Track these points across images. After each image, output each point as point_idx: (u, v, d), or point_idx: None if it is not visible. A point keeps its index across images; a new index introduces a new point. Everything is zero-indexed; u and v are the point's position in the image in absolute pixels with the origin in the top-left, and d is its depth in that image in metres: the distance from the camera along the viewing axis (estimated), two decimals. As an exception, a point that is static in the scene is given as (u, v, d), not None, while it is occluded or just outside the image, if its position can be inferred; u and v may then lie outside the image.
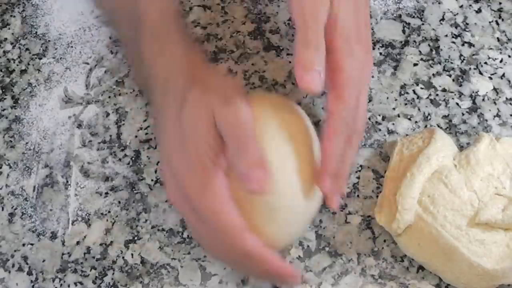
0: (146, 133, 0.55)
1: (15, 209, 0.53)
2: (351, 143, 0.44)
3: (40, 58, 0.59)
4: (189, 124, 0.42)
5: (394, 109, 0.56)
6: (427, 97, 0.56)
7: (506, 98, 0.56)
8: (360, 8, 0.46)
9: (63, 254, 0.51)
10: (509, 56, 0.58)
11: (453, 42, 0.59)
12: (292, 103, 0.50)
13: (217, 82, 0.45)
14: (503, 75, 0.57)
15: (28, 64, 0.59)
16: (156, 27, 0.47)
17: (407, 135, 0.54)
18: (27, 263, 0.51)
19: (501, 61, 0.58)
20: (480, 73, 0.57)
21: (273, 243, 0.44)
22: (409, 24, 0.60)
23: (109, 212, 0.52)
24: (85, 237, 0.51)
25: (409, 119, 0.55)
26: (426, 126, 0.55)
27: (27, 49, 0.60)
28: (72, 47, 0.60)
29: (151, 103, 0.49)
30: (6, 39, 0.61)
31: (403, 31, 0.60)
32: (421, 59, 0.58)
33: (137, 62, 0.49)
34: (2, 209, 0.53)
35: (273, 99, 0.49)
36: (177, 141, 0.42)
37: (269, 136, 0.44)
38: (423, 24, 0.60)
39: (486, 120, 0.55)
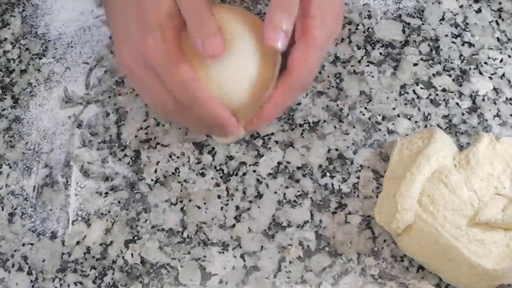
0: (146, 133, 0.55)
1: (15, 209, 0.53)
2: (295, 96, 0.48)
3: (40, 58, 0.59)
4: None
5: (394, 109, 0.56)
6: (427, 97, 0.56)
7: (506, 98, 0.56)
8: None
9: (63, 254, 0.51)
10: (509, 56, 0.58)
11: (453, 42, 0.59)
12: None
13: None
14: (503, 75, 0.57)
15: (28, 64, 0.59)
16: None
17: (407, 135, 0.54)
18: (27, 263, 0.51)
19: (501, 61, 0.58)
20: (480, 73, 0.57)
21: None
22: (409, 24, 0.60)
23: (109, 212, 0.52)
24: (85, 237, 0.51)
25: (409, 119, 0.55)
26: (426, 126, 0.55)
27: (27, 49, 0.60)
28: (72, 47, 0.60)
29: None
30: (6, 39, 0.61)
31: (403, 31, 0.60)
32: (421, 59, 0.58)
33: None
34: (2, 209, 0.53)
35: (242, 11, 0.50)
36: (134, 7, 0.44)
37: (235, 28, 0.46)
38: (423, 24, 0.60)
39: (486, 120, 0.55)
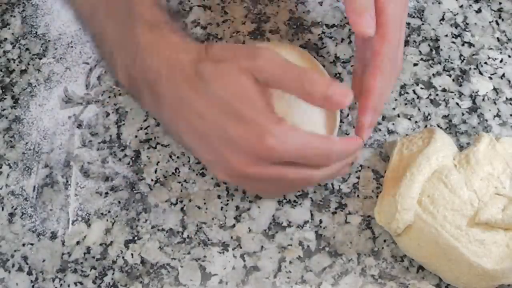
0: (146, 133, 0.55)
1: (15, 209, 0.53)
2: (391, 80, 0.49)
3: (40, 58, 0.59)
4: (231, 91, 0.41)
5: (394, 109, 0.56)
6: (427, 97, 0.56)
7: (506, 98, 0.56)
8: None
9: (63, 254, 0.51)
10: (509, 56, 0.58)
11: (453, 42, 0.59)
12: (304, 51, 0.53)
13: (225, 47, 0.45)
14: (503, 75, 0.57)
15: (28, 64, 0.59)
16: (151, 21, 0.46)
17: (407, 135, 0.54)
18: (27, 263, 0.51)
19: (501, 61, 0.58)
20: (480, 73, 0.57)
21: None
22: (409, 24, 0.60)
23: (109, 212, 0.52)
24: (85, 237, 0.51)
25: (409, 119, 0.55)
26: (426, 126, 0.55)
27: (27, 49, 0.60)
28: (72, 47, 0.60)
29: (153, 94, 0.46)
30: (6, 39, 0.61)
31: (403, 31, 0.60)
32: (421, 59, 0.58)
33: (127, 55, 0.46)
34: (2, 209, 0.53)
35: (288, 47, 0.52)
36: (218, 113, 0.42)
37: None
38: (423, 24, 0.60)
39: (486, 120, 0.55)
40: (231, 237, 0.51)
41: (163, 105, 0.44)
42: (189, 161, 0.54)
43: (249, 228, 0.51)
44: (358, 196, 0.52)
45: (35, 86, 0.58)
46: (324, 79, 0.43)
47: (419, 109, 0.56)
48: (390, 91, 0.50)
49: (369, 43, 0.47)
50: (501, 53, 0.58)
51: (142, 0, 0.46)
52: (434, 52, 0.59)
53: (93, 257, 0.51)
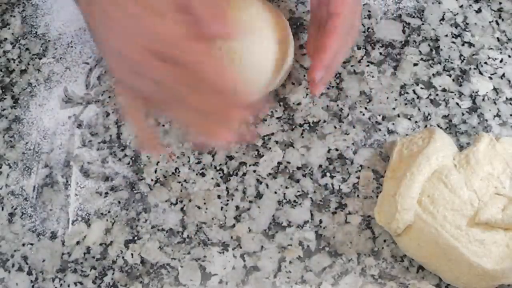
0: (146, 133, 0.55)
1: (15, 209, 0.53)
2: (347, 41, 0.51)
3: (40, 58, 0.59)
4: None
5: (394, 109, 0.56)
6: (427, 97, 0.56)
7: (506, 98, 0.56)
8: None
9: (63, 254, 0.51)
10: (509, 56, 0.58)
11: (453, 42, 0.59)
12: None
13: None
14: (503, 75, 0.57)
15: (28, 64, 0.59)
16: None
17: (407, 135, 0.54)
18: (27, 263, 0.51)
19: (501, 61, 0.58)
20: (480, 73, 0.57)
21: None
22: (409, 24, 0.60)
23: (109, 212, 0.52)
24: (85, 237, 0.51)
25: (409, 119, 0.55)
26: (426, 126, 0.55)
27: (27, 49, 0.60)
28: (72, 47, 0.60)
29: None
30: (6, 39, 0.61)
31: (403, 31, 0.60)
32: (421, 59, 0.58)
33: None
34: (2, 209, 0.53)
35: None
36: (134, 7, 0.42)
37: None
38: (423, 24, 0.60)
39: (486, 120, 0.55)
40: (231, 237, 0.51)
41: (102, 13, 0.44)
42: (189, 161, 0.54)
43: (249, 228, 0.51)
44: (358, 196, 0.52)
45: (35, 86, 0.58)
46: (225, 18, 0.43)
47: (419, 109, 0.56)
48: (345, 52, 0.53)
49: (324, 3, 0.49)
50: (501, 53, 0.58)
51: None
52: (434, 52, 0.59)
53: (93, 257, 0.51)
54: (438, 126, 0.55)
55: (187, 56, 0.41)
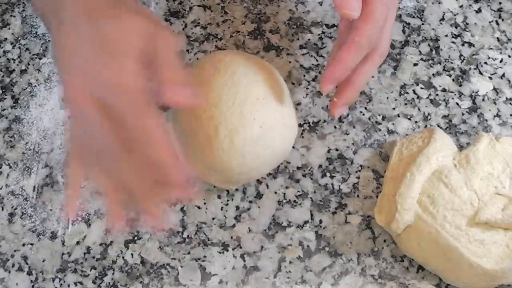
0: (146, 133, 0.55)
1: (15, 209, 0.53)
2: (372, 59, 0.47)
3: (40, 58, 0.59)
4: (118, 32, 0.39)
5: (394, 109, 0.56)
6: (427, 97, 0.56)
7: (506, 98, 0.56)
8: None
9: (63, 254, 0.51)
10: (509, 56, 0.58)
11: (453, 42, 0.59)
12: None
13: (143, 11, 0.44)
14: (503, 75, 0.57)
15: (28, 64, 0.59)
16: None
17: (407, 135, 0.54)
18: (27, 263, 0.51)
19: (501, 61, 0.58)
20: (480, 73, 0.57)
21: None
22: (409, 24, 0.60)
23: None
24: (85, 237, 0.51)
25: (409, 119, 0.55)
26: (426, 126, 0.55)
27: (27, 49, 0.60)
28: (72, 47, 0.60)
29: (56, 20, 0.43)
30: (6, 39, 0.61)
31: (403, 31, 0.60)
32: (421, 59, 0.58)
33: None
34: (2, 209, 0.53)
35: (247, 57, 0.51)
36: (98, 45, 0.39)
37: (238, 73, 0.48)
38: (423, 24, 0.60)
39: (486, 120, 0.55)
40: (231, 237, 0.51)
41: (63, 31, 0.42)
42: (189, 161, 0.54)
43: (249, 228, 0.51)
44: (358, 196, 0.52)
45: (35, 86, 0.58)
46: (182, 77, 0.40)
47: (419, 109, 0.56)
48: (370, 70, 0.48)
49: (352, 25, 0.46)
50: (501, 53, 0.58)
51: None
52: (434, 52, 0.59)
53: (93, 257, 0.51)
54: (438, 126, 0.55)
55: (136, 119, 0.38)
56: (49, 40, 0.60)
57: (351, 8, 0.43)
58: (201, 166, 0.48)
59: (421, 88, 0.57)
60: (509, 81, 0.57)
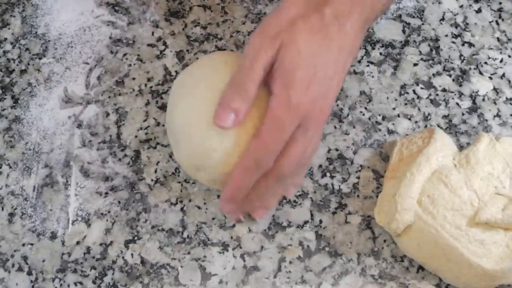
0: (146, 133, 0.55)
1: (15, 209, 0.53)
2: (266, 181, 0.45)
3: (40, 58, 0.59)
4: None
5: (394, 109, 0.56)
6: (427, 97, 0.56)
7: (506, 98, 0.56)
8: (318, 57, 0.42)
9: (63, 254, 0.51)
10: (509, 56, 0.58)
11: (453, 42, 0.59)
12: None
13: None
14: (503, 75, 0.57)
15: (28, 64, 0.59)
16: None
17: (407, 135, 0.54)
18: (27, 263, 0.51)
19: (501, 61, 0.58)
20: (480, 73, 0.57)
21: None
22: (409, 24, 0.60)
23: (109, 212, 0.52)
24: (85, 237, 0.51)
25: (409, 119, 0.55)
26: (426, 126, 0.55)
27: (27, 49, 0.60)
28: (72, 47, 0.60)
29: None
30: (6, 39, 0.61)
31: (403, 31, 0.60)
32: (421, 59, 0.58)
33: None
34: (2, 209, 0.53)
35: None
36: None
37: None
38: (423, 24, 0.60)
39: (486, 120, 0.55)
40: (231, 237, 0.51)
41: None
42: (189, 161, 0.54)
43: (249, 228, 0.51)
44: (358, 196, 0.52)
45: (35, 86, 0.58)
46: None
47: (419, 109, 0.56)
48: (266, 191, 0.46)
49: None
50: (501, 53, 0.58)
51: None
52: (434, 52, 0.59)
53: (93, 257, 0.51)
54: (438, 126, 0.55)
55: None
56: (49, 40, 0.60)
57: (219, 118, 0.43)
58: (191, 167, 0.47)
59: (421, 88, 0.57)
60: (509, 81, 0.57)
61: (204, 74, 0.48)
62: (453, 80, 0.57)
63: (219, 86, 0.45)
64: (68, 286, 0.50)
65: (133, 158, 0.54)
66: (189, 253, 0.50)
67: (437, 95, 0.56)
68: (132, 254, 0.51)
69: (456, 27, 0.60)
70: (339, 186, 0.53)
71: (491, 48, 0.59)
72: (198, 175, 0.48)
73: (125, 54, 0.59)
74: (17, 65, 0.59)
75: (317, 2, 0.43)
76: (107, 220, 0.52)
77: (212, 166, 0.46)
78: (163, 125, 0.55)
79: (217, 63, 0.48)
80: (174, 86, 0.50)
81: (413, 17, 0.60)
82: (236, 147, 0.44)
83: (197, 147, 0.46)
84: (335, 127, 0.55)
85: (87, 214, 0.52)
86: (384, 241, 0.50)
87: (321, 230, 0.51)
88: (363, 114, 0.56)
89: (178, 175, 0.53)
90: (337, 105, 0.56)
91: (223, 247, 0.50)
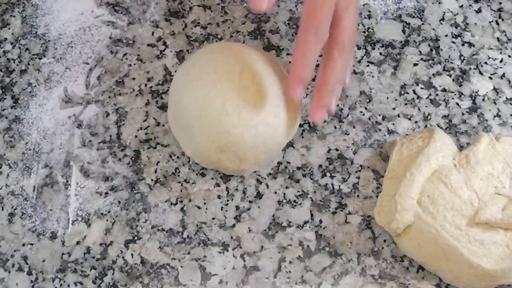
0: (146, 133, 0.55)
1: (15, 209, 0.53)
2: (332, 55, 0.46)
3: (40, 58, 0.59)
4: None
5: (394, 109, 0.56)
6: (427, 97, 0.56)
7: (506, 98, 0.56)
8: None
9: (63, 254, 0.51)
10: (509, 56, 0.58)
11: (453, 42, 0.59)
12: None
13: None
14: (503, 75, 0.57)
15: (28, 64, 0.59)
16: None
17: (407, 135, 0.54)
18: (27, 263, 0.51)
19: (501, 61, 0.58)
20: (480, 73, 0.57)
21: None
22: (409, 24, 0.60)
23: (109, 212, 0.52)
24: (85, 237, 0.51)
25: (409, 119, 0.55)
26: (426, 126, 0.55)
27: (27, 49, 0.60)
28: (72, 47, 0.60)
29: None
30: (6, 39, 0.61)
31: (403, 31, 0.60)
32: (421, 59, 0.58)
33: None
34: (2, 209, 0.53)
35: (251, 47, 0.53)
36: None
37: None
38: (423, 24, 0.60)
39: (486, 120, 0.55)
40: (231, 237, 0.51)
41: None
42: (189, 161, 0.54)
43: (249, 228, 0.51)
44: (358, 196, 0.52)
45: (35, 86, 0.58)
46: None
47: (419, 109, 0.56)
48: (335, 68, 0.47)
49: None
50: (501, 53, 0.58)
51: None
52: (434, 52, 0.59)
53: (93, 257, 0.51)
54: (438, 126, 0.55)
55: None
56: (49, 40, 0.60)
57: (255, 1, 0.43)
58: (213, 150, 0.49)
59: (421, 88, 0.57)
60: (509, 81, 0.57)
61: (206, 60, 0.50)
62: (453, 80, 0.57)
63: (224, 67, 0.48)
64: (68, 286, 0.50)
65: (133, 158, 0.54)
66: (189, 253, 0.50)
67: (437, 95, 0.56)
68: (132, 254, 0.51)
69: (456, 27, 0.60)
70: (339, 186, 0.53)
71: (491, 48, 0.59)
72: (222, 157, 0.49)
73: (125, 54, 0.59)
74: (17, 65, 0.59)
75: None
76: (107, 220, 0.52)
77: (235, 142, 0.47)
78: (163, 125, 0.55)
79: (216, 48, 0.51)
80: (175, 80, 0.51)
81: (413, 17, 0.60)
82: (255, 116, 0.47)
83: (217, 126, 0.47)
84: (335, 127, 0.55)
85: (87, 214, 0.52)
86: (384, 241, 0.50)
87: (321, 230, 0.51)
88: (363, 114, 0.56)
89: (178, 175, 0.53)
90: (337, 105, 0.56)
91: (223, 247, 0.50)
